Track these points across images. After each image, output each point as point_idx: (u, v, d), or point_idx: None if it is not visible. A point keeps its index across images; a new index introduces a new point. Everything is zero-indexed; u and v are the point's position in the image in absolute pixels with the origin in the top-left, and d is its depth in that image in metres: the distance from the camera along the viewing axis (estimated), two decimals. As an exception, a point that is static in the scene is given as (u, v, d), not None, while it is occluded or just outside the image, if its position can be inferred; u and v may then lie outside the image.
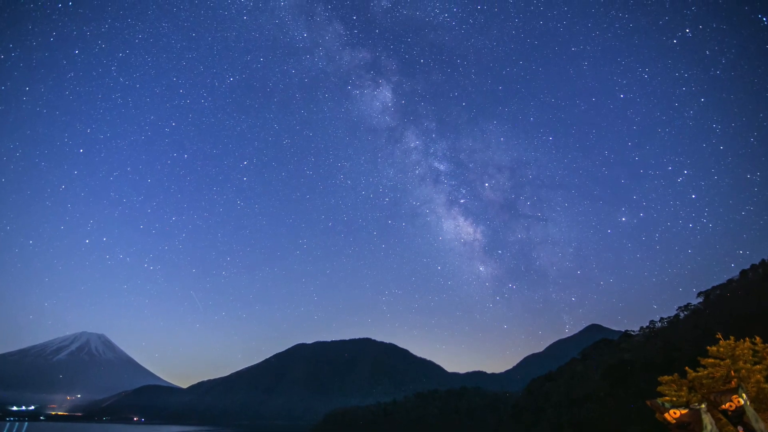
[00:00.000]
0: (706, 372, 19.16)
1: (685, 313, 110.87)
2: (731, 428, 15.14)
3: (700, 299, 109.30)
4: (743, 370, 18.14)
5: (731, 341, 19.59)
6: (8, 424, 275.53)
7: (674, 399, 18.86)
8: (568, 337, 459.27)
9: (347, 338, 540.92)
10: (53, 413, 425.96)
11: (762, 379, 18.07)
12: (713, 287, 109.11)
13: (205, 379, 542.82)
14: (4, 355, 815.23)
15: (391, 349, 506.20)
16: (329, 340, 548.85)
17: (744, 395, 12.90)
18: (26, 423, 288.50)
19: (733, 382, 17.47)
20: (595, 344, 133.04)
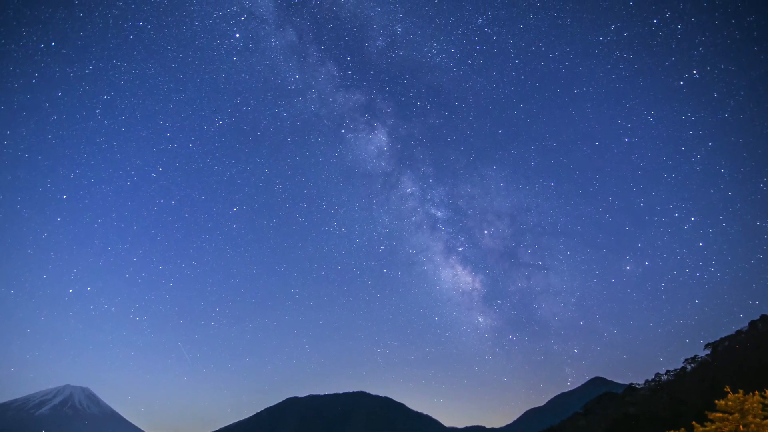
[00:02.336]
0: (714, 426, 18.63)
1: (692, 365, 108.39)
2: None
3: (708, 351, 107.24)
4: (752, 425, 17.46)
5: (740, 395, 19.07)
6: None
7: (682, 456, 18.22)
8: (571, 391, 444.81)
9: (341, 391, 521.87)
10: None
11: (774, 435, 17.38)
12: (721, 339, 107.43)
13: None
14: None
15: (387, 402, 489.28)
16: (322, 393, 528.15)
17: (755, 452, 12.20)
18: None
19: (743, 438, 16.82)
20: (599, 398, 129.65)
